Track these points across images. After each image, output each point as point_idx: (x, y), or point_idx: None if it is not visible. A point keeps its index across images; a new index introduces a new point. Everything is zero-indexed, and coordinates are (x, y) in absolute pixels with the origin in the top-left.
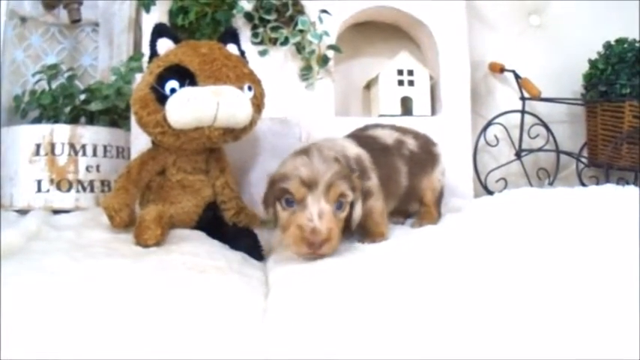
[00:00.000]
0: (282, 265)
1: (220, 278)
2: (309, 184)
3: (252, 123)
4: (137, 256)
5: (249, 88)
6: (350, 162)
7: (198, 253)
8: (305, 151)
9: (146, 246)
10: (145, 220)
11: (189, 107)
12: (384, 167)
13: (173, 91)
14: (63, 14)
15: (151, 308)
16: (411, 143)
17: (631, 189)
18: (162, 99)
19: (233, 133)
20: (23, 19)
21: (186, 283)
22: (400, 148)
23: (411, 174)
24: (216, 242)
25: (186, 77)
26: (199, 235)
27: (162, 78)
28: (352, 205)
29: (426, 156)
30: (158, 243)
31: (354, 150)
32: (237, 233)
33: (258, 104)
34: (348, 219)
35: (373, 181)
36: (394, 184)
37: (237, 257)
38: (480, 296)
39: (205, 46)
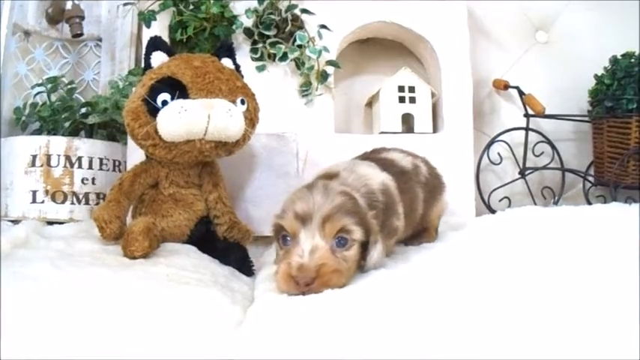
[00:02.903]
0: (270, 282)
1: (201, 290)
2: (303, 218)
3: (245, 137)
4: (121, 266)
5: (242, 102)
6: (374, 196)
7: (184, 266)
8: (311, 185)
9: (133, 257)
10: (133, 231)
11: (180, 119)
12: (407, 194)
13: (165, 103)
14: (66, 29)
15: (126, 315)
16: (423, 169)
17: (635, 207)
18: (153, 111)
19: (226, 147)
20: (27, 33)
21: (164, 293)
22: (418, 173)
23: (425, 201)
24: (205, 257)
25: (178, 90)
26: (189, 249)
27: (154, 90)
28: (366, 246)
29: (435, 182)
30: (145, 255)
31: (379, 177)
32: (227, 248)
33: (251, 118)
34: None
35: (401, 221)
36: (414, 213)
37: (224, 271)
38: (479, 316)
39: (198, 59)
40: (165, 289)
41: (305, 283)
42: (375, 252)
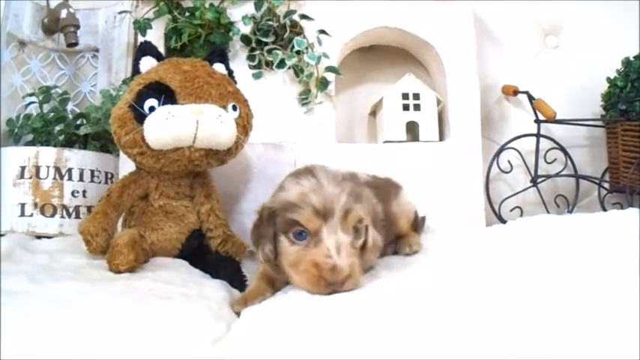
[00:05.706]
0: None
1: (181, 305)
2: (324, 214)
3: (237, 145)
4: (104, 281)
5: (234, 108)
6: (357, 177)
7: (172, 281)
8: (308, 171)
9: (118, 271)
10: (118, 244)
11: (167, 126)
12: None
13: (152, 109)
14: (63, 39)
15: (94, 332)
16: (361, 175)
17: None
18: (140, 118)
19: (217, 156)
20: (22, 44)
21: (139, 309)
22: (355, 178)
23: (379, 200)
24: (196, 271)
25: (166, 95)
26: (180, 263)
27: (141, 96)
28: (366, 229)
29: (381, 182)
30: (131, 269)
31: (344, 170)
32: (219, 261)
33: (244, 125)
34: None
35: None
36: (376, 214)
37: (214, 285)
38: (488, 327)
39: (188, 64)
40: (142, 304)
41: (341, 282)
42: (373, 231)
